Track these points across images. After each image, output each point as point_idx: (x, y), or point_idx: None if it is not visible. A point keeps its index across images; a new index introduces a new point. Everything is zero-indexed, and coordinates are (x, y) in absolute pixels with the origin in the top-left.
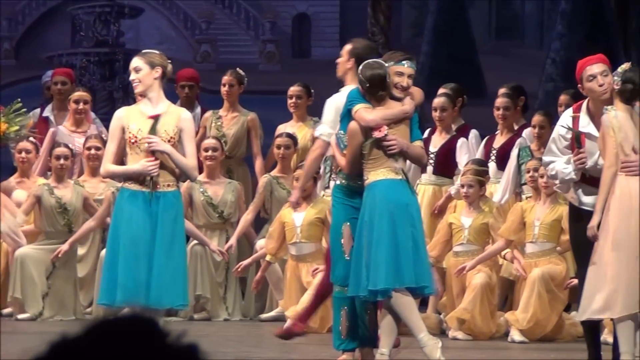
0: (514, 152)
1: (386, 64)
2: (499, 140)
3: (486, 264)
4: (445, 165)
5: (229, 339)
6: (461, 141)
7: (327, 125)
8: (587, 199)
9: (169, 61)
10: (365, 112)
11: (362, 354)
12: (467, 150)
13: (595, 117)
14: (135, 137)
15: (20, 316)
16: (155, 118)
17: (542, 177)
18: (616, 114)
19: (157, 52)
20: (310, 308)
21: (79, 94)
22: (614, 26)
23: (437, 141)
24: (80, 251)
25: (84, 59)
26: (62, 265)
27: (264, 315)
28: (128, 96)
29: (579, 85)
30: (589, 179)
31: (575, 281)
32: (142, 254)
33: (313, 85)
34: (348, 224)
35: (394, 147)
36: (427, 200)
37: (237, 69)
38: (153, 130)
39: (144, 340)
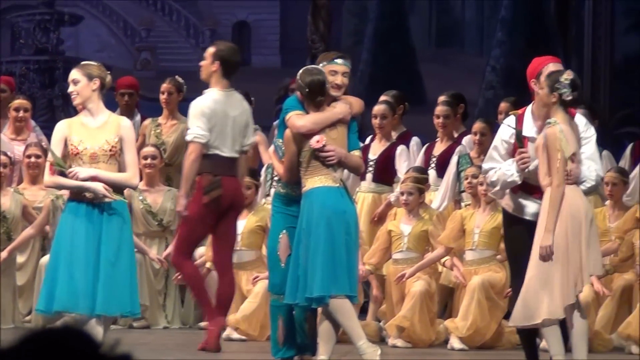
0: (454, 160)
1: (320, 65)
2: (439, 148)
3: (426, 271)
4: (385, 172)
5: (168, 347)
6: (400, 148)
7: (199, 128)
8: (521, 206)
9: (108, 72)
10: (297, 119)
11: None
12: (406, 158)
13: (538, 121)
14: (77, 148)
15: None
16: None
17: (481, 184)
18: (561, 128)
19: (95, 63)
20: (203, 305)
21: (19, 101)
22: (554, 33)
23: (377, 148)
24: (20, 259)
25: (24, 67)
26: (0, 273)
27: (203, 323)
28: (68, 104)
29: (533, 83)
30: (523, 185)
31: None
32: (83, 264)
33: (253, 93)
34: (285, 232)
35: (332, 158)
36: (366, 208)
37: (176, 76)
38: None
39: (77, 351)
